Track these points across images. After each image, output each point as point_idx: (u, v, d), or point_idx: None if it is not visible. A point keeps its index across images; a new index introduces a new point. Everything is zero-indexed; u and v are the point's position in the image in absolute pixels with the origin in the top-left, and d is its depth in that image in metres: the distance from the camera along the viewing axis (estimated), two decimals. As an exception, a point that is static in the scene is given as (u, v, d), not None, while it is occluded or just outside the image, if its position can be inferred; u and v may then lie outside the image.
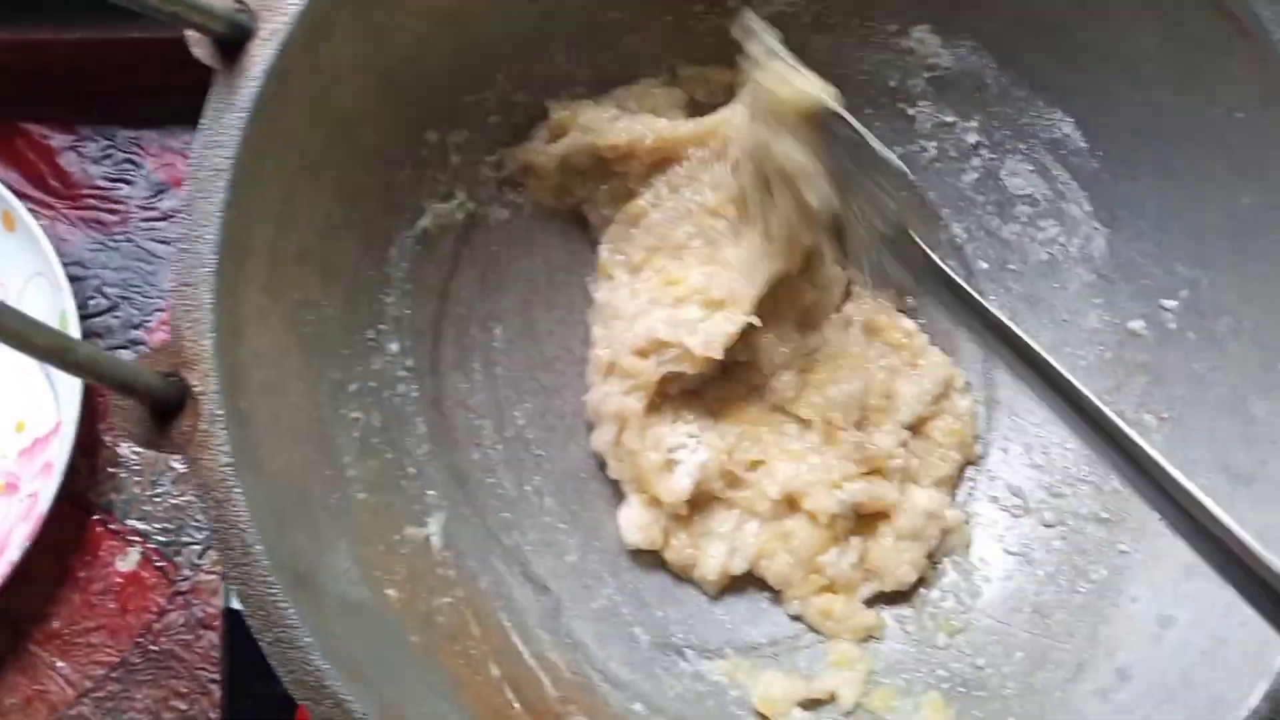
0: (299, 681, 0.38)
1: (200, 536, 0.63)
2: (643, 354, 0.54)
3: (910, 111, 0.58)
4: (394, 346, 0.53)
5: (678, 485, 0.54)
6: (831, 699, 0.52)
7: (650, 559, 0.56)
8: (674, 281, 0.55)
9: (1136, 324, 0.54)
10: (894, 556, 0.55)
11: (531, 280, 0.59)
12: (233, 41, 0.41)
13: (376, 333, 0.52)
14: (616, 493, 0.56)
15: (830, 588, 0.55)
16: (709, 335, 0.53)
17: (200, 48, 0.41)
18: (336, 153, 0.48)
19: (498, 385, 0.57)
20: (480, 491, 0.55)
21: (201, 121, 0.41)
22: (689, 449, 0.55)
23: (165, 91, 0.67)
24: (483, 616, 0.50)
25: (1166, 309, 0.53)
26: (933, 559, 0.55)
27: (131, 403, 0.38)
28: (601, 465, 0.57)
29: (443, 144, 0.54)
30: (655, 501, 0.54)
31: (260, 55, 0.41)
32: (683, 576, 0.56)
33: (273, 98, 0.42)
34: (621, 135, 0.56)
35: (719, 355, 0.53)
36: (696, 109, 0.59)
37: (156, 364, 0.39)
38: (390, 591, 0.46)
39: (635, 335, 0.54)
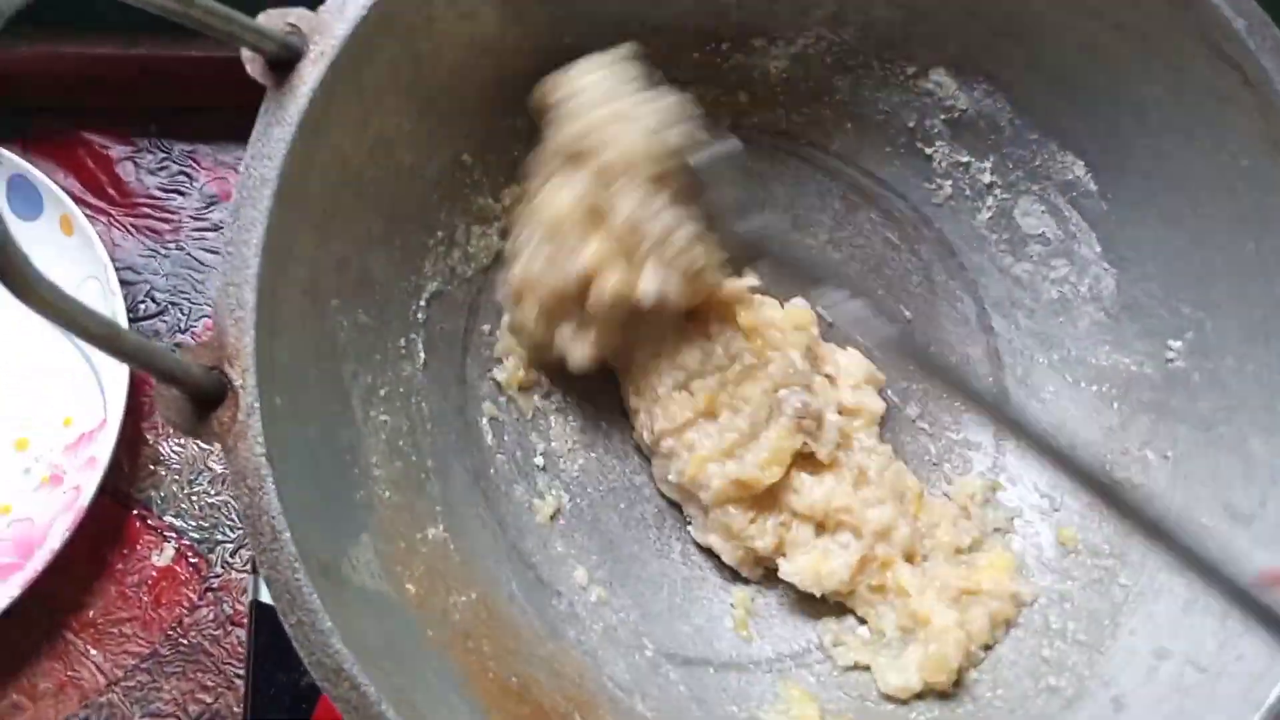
0: (318, 663, 0.39)
1: (233, 535, 0.64)
2: None
3: (927, 151, 0.59)
4: (424, 355, 0.54)
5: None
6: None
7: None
8: None
9: (1143, 363, 0.55)
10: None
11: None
12: (284, 61, 0.43)
13: (407, 341, 0.53)
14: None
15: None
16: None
17: (253, 65, 0.43)
18: (377, 170, 0.49)
19: (518, 397, 0.58)
20: (499, 500, 0.56)
21: (252, 134, 0.43)
22: None
23: (221, 109, 0.68)
24: (496, 617, 0.51)
25: (1172, 349, 0.53)
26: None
27: (174, 392, 0.40)
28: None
29: (477, 166, 0.55)
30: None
31: (309, 75, 0.43)
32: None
33: (319, 115, 0.43)
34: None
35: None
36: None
37: (200, 357, 0.40)
38: (409, 586, 0.47)
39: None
